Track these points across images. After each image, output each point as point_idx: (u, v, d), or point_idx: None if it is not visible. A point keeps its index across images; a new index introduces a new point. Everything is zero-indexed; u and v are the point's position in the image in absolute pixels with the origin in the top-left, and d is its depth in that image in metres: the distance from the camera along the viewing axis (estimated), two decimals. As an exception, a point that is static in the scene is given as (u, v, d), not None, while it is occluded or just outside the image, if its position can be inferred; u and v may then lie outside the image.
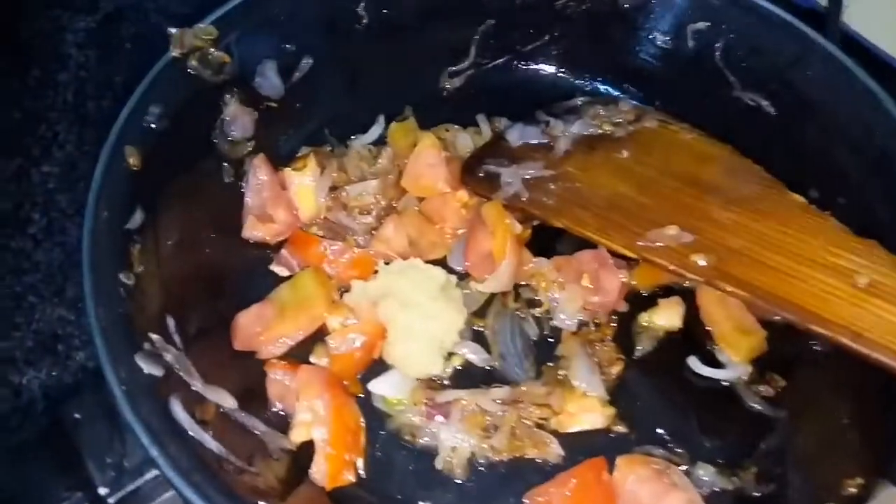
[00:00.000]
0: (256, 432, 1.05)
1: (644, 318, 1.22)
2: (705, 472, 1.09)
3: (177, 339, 1.04)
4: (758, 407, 1.15)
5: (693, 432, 1.14)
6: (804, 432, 1.11)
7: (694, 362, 1.18)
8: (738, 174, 1.22)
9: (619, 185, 1.24)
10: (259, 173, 1.25)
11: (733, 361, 1.18)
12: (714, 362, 1.19)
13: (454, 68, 1.44)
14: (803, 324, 1.05)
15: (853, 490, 0.96)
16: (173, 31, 1.16)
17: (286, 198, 1.26)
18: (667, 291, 1.24)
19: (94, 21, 1.61)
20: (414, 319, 1.15)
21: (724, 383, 1.18)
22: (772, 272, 1.09)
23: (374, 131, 1.38)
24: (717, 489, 1.09)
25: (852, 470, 0.98)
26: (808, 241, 1.11)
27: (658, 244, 1.16)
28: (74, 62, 1.55)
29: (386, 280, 1.19)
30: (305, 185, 1.26)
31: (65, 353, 1.25)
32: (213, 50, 1.19)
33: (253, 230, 1.26)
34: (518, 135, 1.33)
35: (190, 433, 0.93)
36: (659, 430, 1.14)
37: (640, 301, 1.24)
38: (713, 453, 1.12)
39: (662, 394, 1.18)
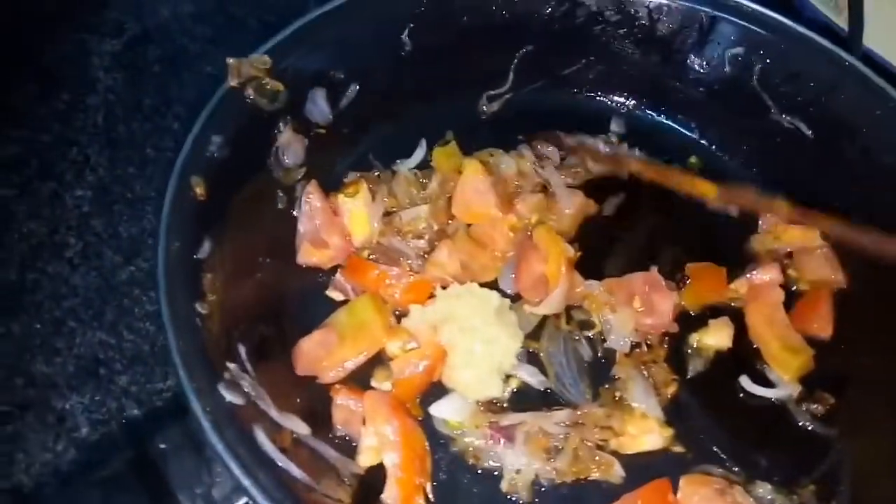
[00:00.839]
0: (327, 457, 1.06)
1: (695, 339, 1.25)
2: (764, 490, 1.12)
3: (249, 367, 1.05)
4: (810, 425, 1.18)
5: (749, 451, 1.16)
6: (859, 450, 1.14)
7: (746, 382, 1.20)
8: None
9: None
10: (312, 200, 1.26)
11: (783, 380, 1.21)
12: (764, 381, 1.21)
13: (493, 92, 1.46)
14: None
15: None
16: (231, 60, 1.16)
17: (339, 224, 1.27)
18: (715, 312, 1.27)
19: (121, 44, 1.63)
20: (474, 343, 1.17)
21: (776, 401, 1.20)
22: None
23: (418, 155, 1.39)
24: (777, 507, 1.11)
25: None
26: None
27: None
28: (102, 85, 1.57)
29: (444, 304, 1.20)
30: (358, 210, 1.27)
31: (107, 377, 1.26)
32: (268, 79, 1.20)
33: (307, 256, 1.26)
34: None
35: (276, 461, 0.94)
36: (715, 449, 1.16)
37: (689, 321, 1.26)
38: (770, 471, 1.14)
39: (716, 413, 1.19)
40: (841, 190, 1.27)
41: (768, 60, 1.33)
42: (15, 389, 1.24)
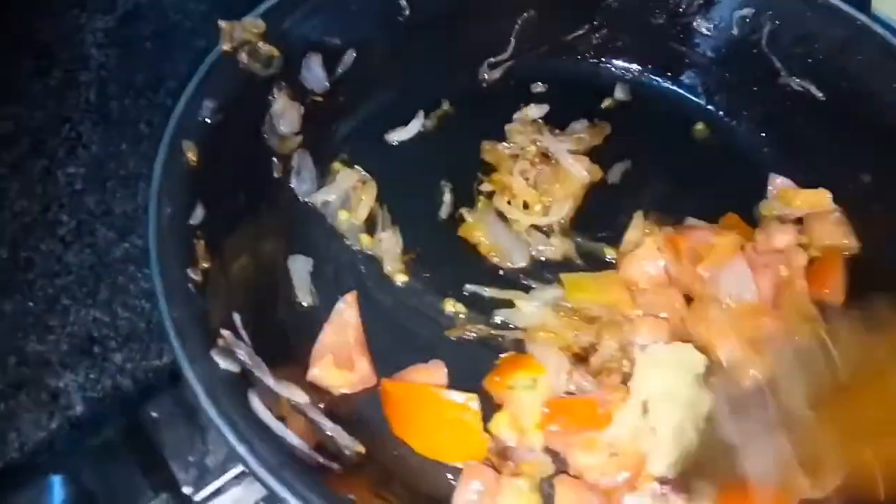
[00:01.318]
0: (326, 429, 1.03)
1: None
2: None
3: (244, 335, 1.02)
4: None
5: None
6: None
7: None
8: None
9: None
10: (346, 312, 1.17)
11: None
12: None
13: (493, 59, 1.42)
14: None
15: None
16: (223, 23, 1.14)
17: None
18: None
19: (113, 20, 1.61)
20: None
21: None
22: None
23: (414, 126, 1.36)
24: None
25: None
26: None
27: None
28: (95, 62, 1.55)
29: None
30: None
31: (102, 354, 1.25)
32: (261, 44, 1.17)
33: (325, 373, 1.11)
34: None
35: (273, 428, 0.91)
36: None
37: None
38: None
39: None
40: (853, 153, 1.25)
41: (777, 21, 1.30)
42: (8, 368, 1.22)
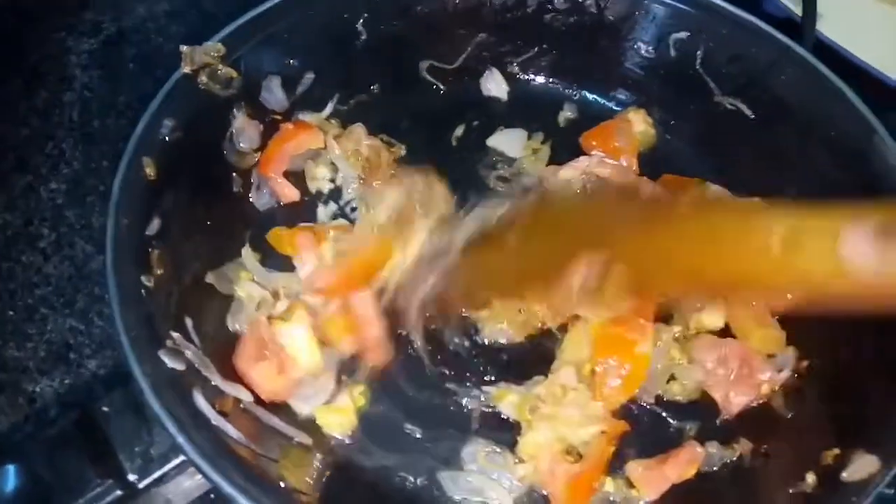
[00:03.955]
0: (272, 424, 1.10)
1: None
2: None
3: (195, 337, 1.09)
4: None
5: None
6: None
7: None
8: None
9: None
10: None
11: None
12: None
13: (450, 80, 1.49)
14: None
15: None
16: (184, 48, 1.21)
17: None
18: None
19: (98, 43, 1.67)
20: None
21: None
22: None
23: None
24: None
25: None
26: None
27: None
28: (79, 83, 1.61)
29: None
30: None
31: (76, 361, 1.30)
32: (221, 66, 1.24)
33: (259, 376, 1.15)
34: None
35: (212, 422, 0.98)
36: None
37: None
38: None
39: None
40: (780, 168, 1.32)
41: (710, 44, 1.37)
42: (-13, 373, 1.27)
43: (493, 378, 1.21)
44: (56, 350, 1.31)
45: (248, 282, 1.23)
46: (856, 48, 1.51)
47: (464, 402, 1.19)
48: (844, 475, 1.01)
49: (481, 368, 1.22)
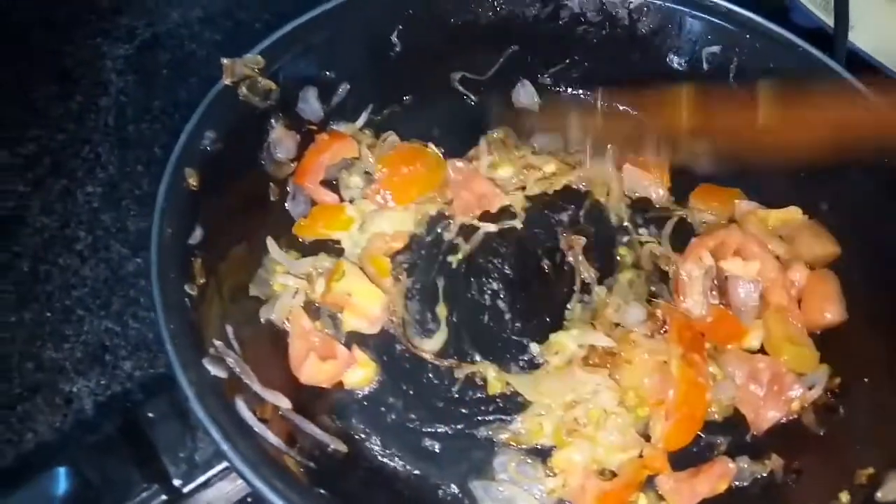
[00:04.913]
0: (308, 431, 1.12)
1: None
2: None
3: (235, 345, 1.11)
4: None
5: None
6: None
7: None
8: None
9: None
10: (296, 322, 1.25)
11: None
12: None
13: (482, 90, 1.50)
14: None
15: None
16: (225, 61, 1.22)
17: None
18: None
19: (133, 48, 1.70)
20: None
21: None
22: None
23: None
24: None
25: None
26: None
27: None
28: (115, 87, 1.64)
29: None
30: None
31: (112, 362, 1.33)
32: (260, 78, 1.26)
33: (313, 368, 1.21)
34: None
35: (254, 429, 1.00)
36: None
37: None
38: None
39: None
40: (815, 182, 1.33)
41: (743, 57, 1.37)
42: (26, 373, 1.30)
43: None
44: (92, 351, 1.34)
45: (282, 274, 1.27)
46: (887, 59, 1.51)
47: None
48: (879, 495, 1.02)
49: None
